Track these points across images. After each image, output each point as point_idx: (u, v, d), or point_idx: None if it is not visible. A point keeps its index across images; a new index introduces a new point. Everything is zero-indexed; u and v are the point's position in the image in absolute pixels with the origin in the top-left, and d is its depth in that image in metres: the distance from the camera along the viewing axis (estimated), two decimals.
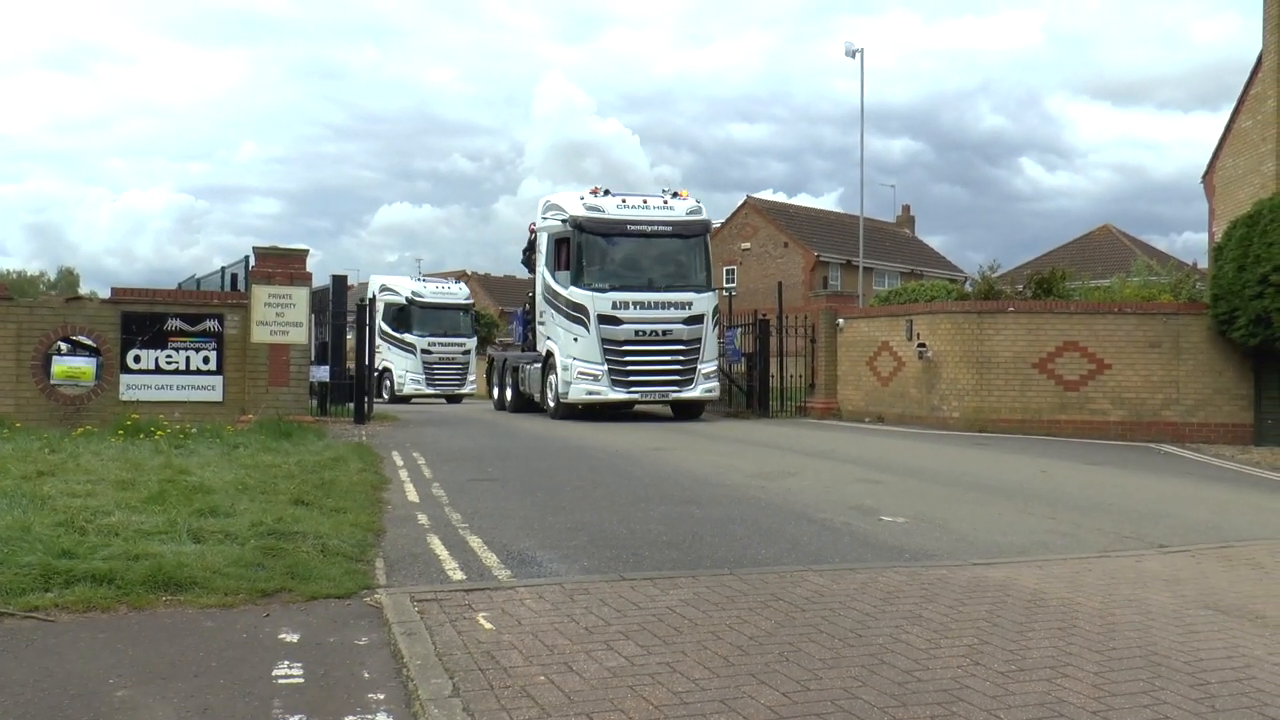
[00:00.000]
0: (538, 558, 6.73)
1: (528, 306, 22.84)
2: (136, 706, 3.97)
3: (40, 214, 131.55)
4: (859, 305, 25.37)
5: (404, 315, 32.54)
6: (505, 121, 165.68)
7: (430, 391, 32.48)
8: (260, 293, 15.33)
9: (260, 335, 15.23)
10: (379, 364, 31.85)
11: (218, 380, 15.05)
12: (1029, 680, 4.37)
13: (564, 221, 19.37)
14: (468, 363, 33.56)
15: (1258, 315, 15.60)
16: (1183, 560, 7.18)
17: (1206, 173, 22.26)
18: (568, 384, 18.89)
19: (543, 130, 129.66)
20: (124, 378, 14.68)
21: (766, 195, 59.70)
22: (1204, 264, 25.69)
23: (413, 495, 9.37)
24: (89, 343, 14.64)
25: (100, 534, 6.50)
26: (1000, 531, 8.10)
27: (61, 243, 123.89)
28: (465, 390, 33.35)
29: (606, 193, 19.74)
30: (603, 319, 18.62)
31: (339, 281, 18.44)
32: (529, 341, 22.34)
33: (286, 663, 4.49)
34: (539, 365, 20.60)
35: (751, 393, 21.82)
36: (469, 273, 64.35)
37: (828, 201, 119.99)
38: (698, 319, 19.13)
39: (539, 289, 20.72)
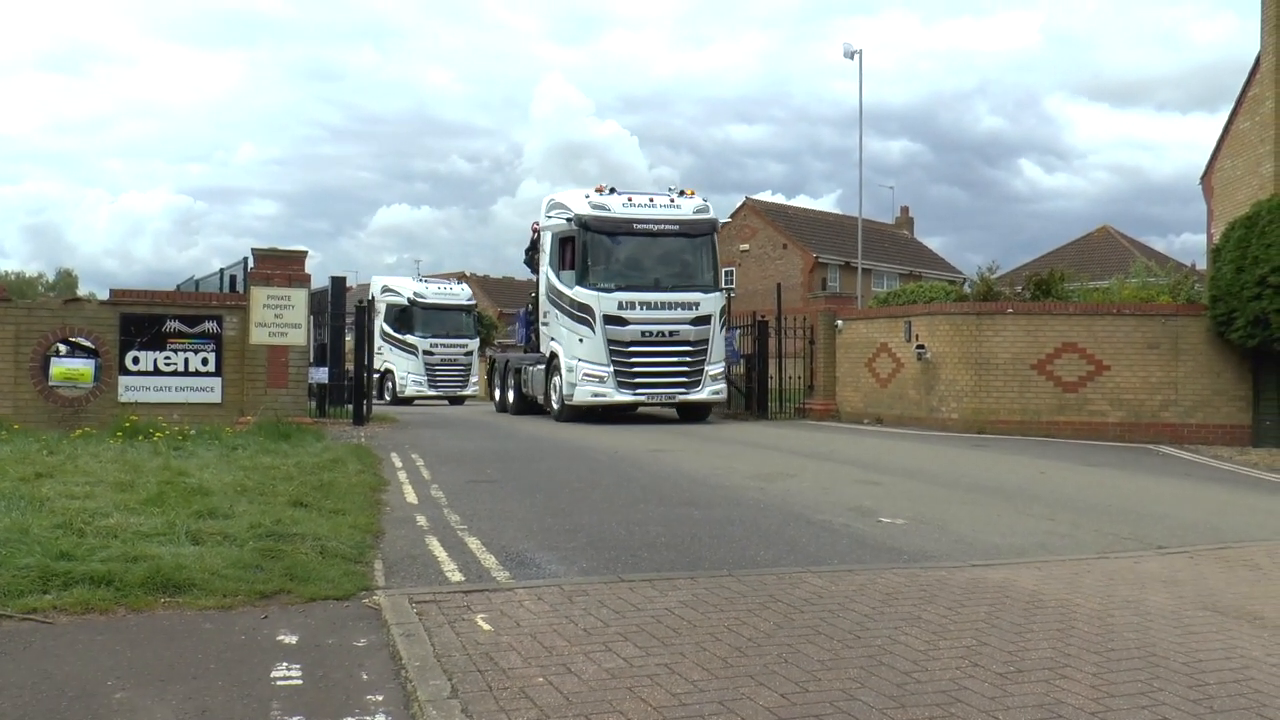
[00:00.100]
0: (536, 559, 6.73)
1: (530, 307, 22.65)
2: (135, 708, 3.97)
3: (39, 215, 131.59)
4: (858, 307, 25.37)
5: (406, 316, 32.35)
6: (504, 123, 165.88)
7: (432, 393, 32.25)
8: (259, 294, 15.33)
9: (259, 337, 15.23)
10: (381, 365, 31.81)
11: (216, 382, 15.05)
12: (1028, 681, 4.37)
13: (569, 220, 19.14)
14: (470, 364, 33.34)
15: (1256, 316, 15.61)
16: (1181, 561, 7.19)
17: (1205, 174, 22.28)
18: (572, 385, 18.66)
19: (541, 131, 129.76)
20: (122, 379, 14.67)
21: (765, 196, 59.84)
22: (1202, 265, 25.72)
23: (411, 497, 9.36)
24: (87, 344, 14.64)
25: (99, 536, 6.50)
26: (999, 533, 8.10)
27: (60, 244, 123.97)
28: (467, 392, 33.14)
29: (612, 191, 19.49)
30: (608, 319, 18.42)
31: (338, 283, 18.45)
32: (532, 342, 22.14)
33: (285, 664, 4.49)
34: (542, 366, 20.35)
35: (750, 394, 21.81)
36: (467, 274, 64.31)
37: (826, 203, 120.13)
38: (705, 320, 18.95)
39: (542, 289, 20.50)
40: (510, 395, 23.14)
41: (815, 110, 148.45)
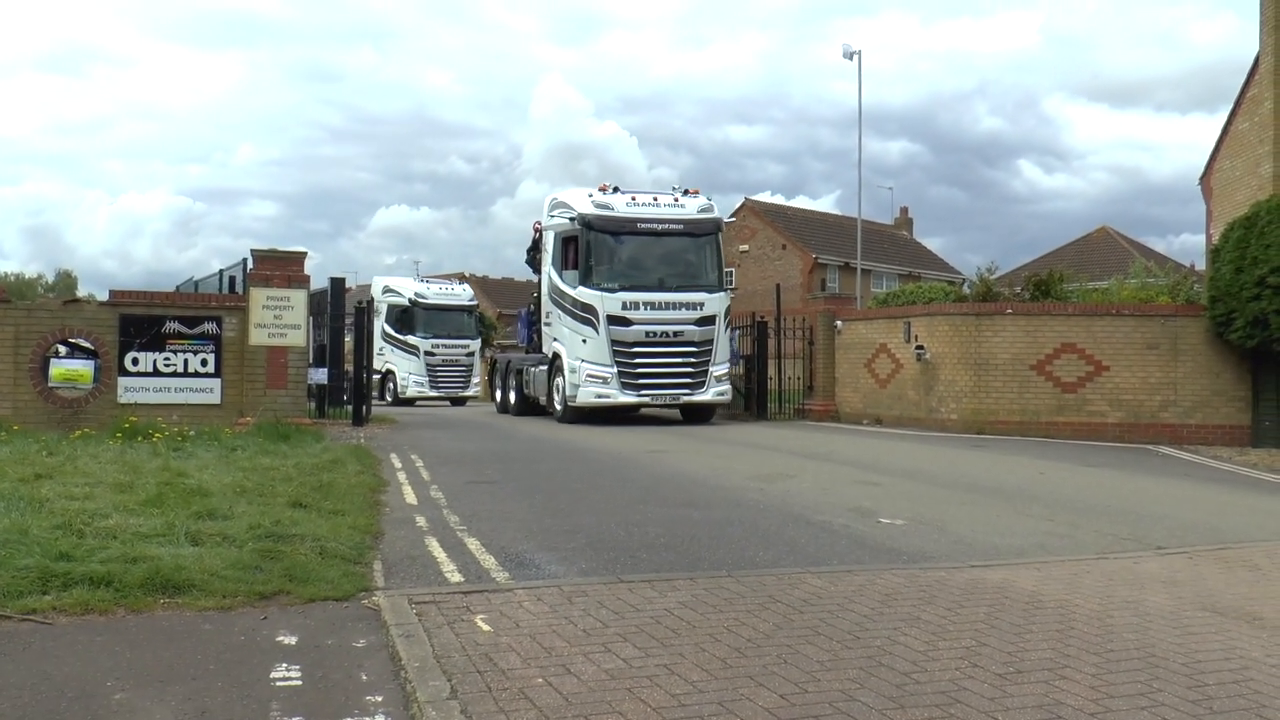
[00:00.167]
0: (536, 560, 6.73)
1: (532, 307, 22.48)
2: (134, 709, 3.97)
3: (38, 216, 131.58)
4: (857, 307, 25.39)
5: (407, 317, 32.16)
6: (503, 124, 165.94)
7: (434, 394, 32.06)
8: (258, 295, 15.33)
9: (258, 338, 15.23)
10: (382, 366, 31.73)
11: (216, 383, 15.05)
12: (1027, 682, 4.37)
13: (572, 219, 18.96)
14: (471, 365, 33.11)
15: (1255, 317, 15.61)
16: (1180, 562, 7.19)
17: (1204, 175, 22.29)
18: (576, 387, 18.49)
19: (540, 132, 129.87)
20: (122, 380, 14.67)
21: (764, 197, 59.75)
22: (1201, 266, 25.72)
23: (411, 497, 9.36)
24: (87, 345, 14.63)
25: (98, 537, 6.50)
26: (998, 533, 8.10)
27: (59, 245, 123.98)
28: (469, 393, 32.92)
29: (616, 190, 19.33)
30: (612, 320, 18.25)
31: (337, 284, 18.44)
32: (534, 343, 21.99)
33: (285, 665, 4.49)
34: (545, 367, 20.17)
35: (750, 395, 21.80)
36: (466, 275, 64.31)
37: (826, 203, 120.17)
38: (709, 320, 18.81)
39: (545, 289, 20.33)
40: (511, 396, 22.90)
41: (814, 111, 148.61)
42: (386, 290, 33.17)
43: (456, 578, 6.21)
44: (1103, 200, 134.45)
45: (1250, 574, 6.87)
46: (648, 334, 18.41)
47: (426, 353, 31.92)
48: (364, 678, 4.38)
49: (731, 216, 52.06)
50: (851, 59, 35.22)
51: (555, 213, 19.93)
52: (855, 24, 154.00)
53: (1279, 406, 16.83)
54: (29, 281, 79.47)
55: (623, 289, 18.42)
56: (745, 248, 50.99)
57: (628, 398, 18.51)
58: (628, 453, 13.61)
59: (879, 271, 50.17)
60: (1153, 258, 36.40)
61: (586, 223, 18.65)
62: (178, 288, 22.00)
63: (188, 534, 6.65)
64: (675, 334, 18.58)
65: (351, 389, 18.54)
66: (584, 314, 18.54)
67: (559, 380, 19.29)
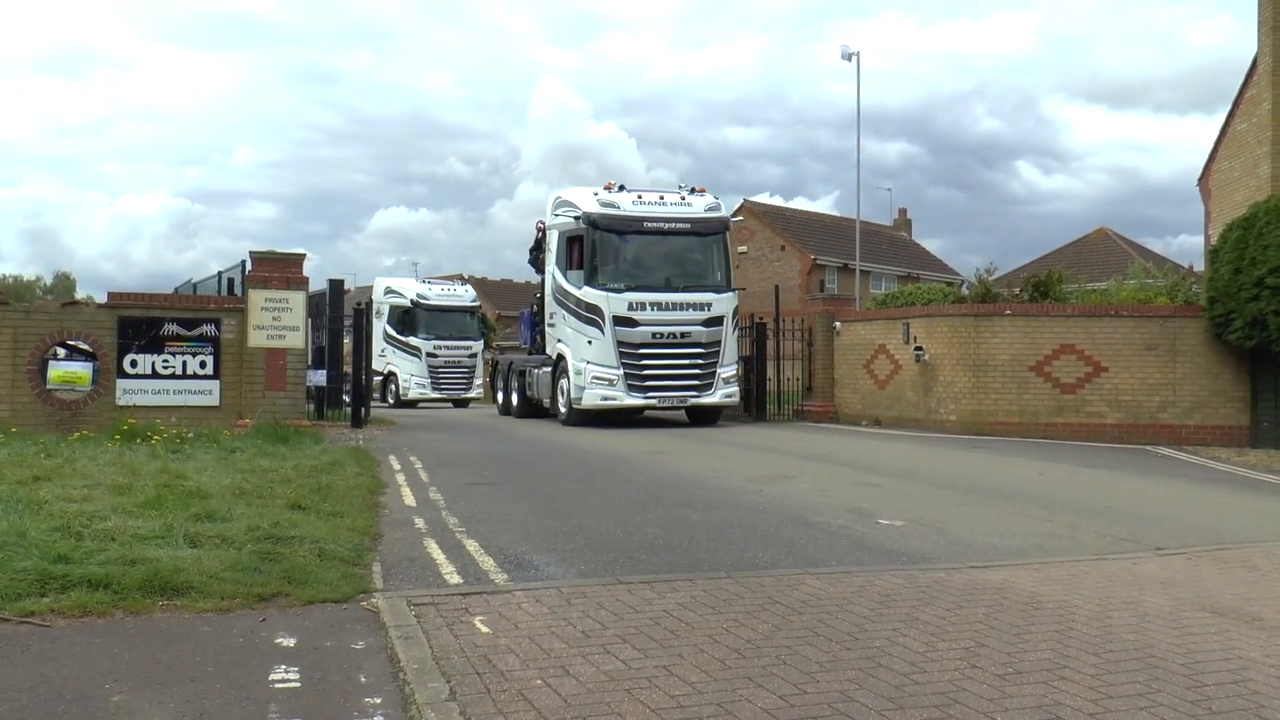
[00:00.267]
0: (534, 561, 6.73)
1: (535, 307, 22.24)
2: (133, 711, 3.97)
3: (36, 218, 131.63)
4: (856, 308, 25.34)
5: (409, 318, 31.99)
6: (501, 125, 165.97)
7: (436, 396, 31.85)
8: (257, 297, 15.32)
9: (257, 340, 15.22)
10: (385, 368, 31.66)
11: (214, 385, 15.04)
12: (1026, 683, 4.37)
13: (577, 218, 18.68)
14: (474, 366, 32.87)
15: (1254, 318, 15.62)
16: (1179, 563, 7.19)
17: (1202, 175, 22.30)
18: (581, 389, 18.23)
19: (539, 134, 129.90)
20: (120, 382, 14.66)
21: (763, 198, 59.76)
22: (1200, 267, 25.73)
23: (410, 499, 9.36)
24: (85, 347, 14.62)
25: (96, 539, 6.49)
26: (997, 534, 8.11)
27: (58, 247, 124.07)
28: (471, 394, 32.73)
29: (621, 188, 19.04)
30: (618, 320, 18.00)
31: (335, 285, 18.44)
32: (537, 344, 21.73)
33: (283, 667, 4.49)
34: (549, 369, 19.86)
35: (749, 396, 21.77)
36: (465, 276, 64.31)
37: (824, 205, 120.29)
38: (717, 320, 18.57)
39: (548, 289, 20.06)
40: (514, 398, 22.64)
41: (813, 112, 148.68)
42: (388, 291, 33.07)
43: (455, 579, 6.20)
44: (1101, 201, 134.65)
45: (1249, 575, 6.87)
46: (654, 335, 18.15)
47: (429, 354, 31.73)
48: (363, 679, 4.38)
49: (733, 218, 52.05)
50: (850, 60, 35.27)
51: (559, 211, 19.64)
52: (853, 25, 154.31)
53: (1277, 407, 16.84)
54: (27, 283, 79.48)
55: (629, 289, 18.15)
56: (744, 249, 50.97)
57: (634, 400, 18.26)
58: (626, 454, 13.61)
59: (878, 272, 50.18)
60: (1151, 259, 36.45)
61: (592, 221, 18.38)
62: (176, 290, 21.98)
63: (186, 536, 6.65)
64: (682, 335, 18.32)
65: (351, 391, 18.53)
66: (589, 314, 18.29)
67: (564, 382, 19.01)
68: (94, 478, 9.20)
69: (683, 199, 19.33)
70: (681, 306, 18.38)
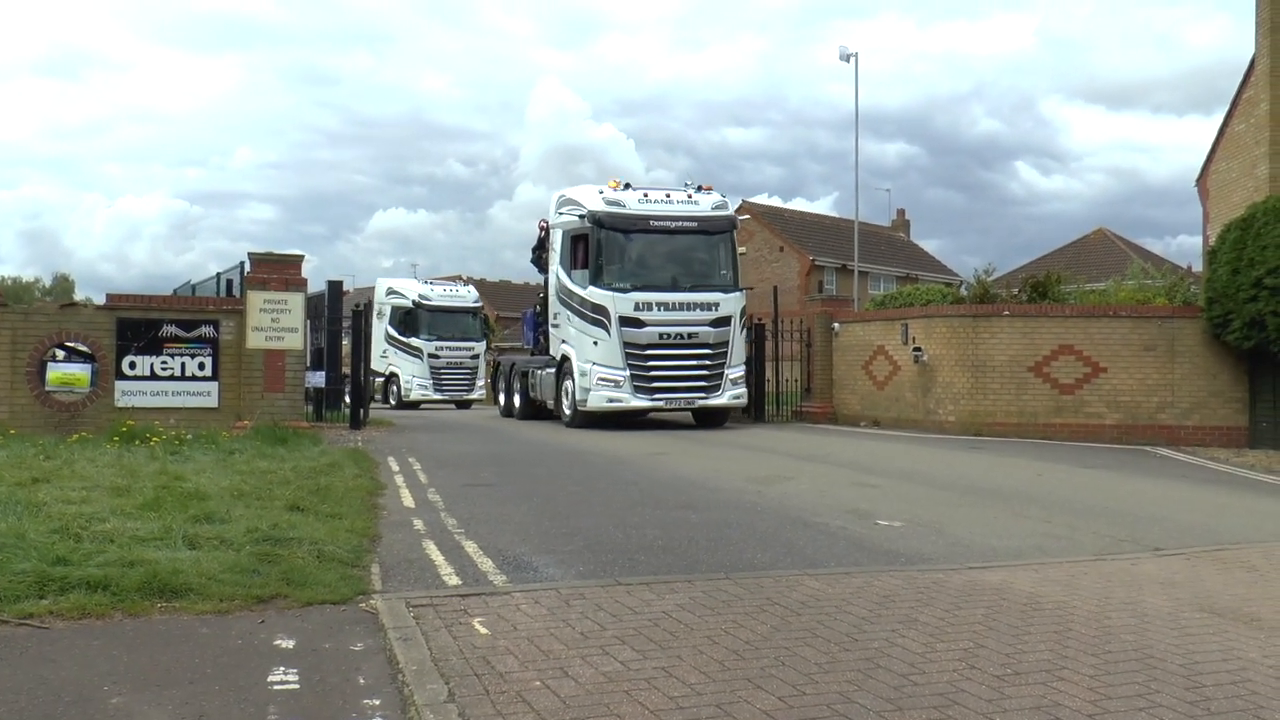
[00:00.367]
0: (533, 563, 6.73)
1: (538, 308, 22.05)
2: (132, 713, 3.97)
3: (35, 220, 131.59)
4: (854, 309, 25.36)
5: (411, 319, 31.80)
6: (500, 127, 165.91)
7: (438, 397, 31.63)
8: (255, 299, 15.32)
9: (256, 341, 15.22)
10: (386, 369, 31.58)
11: (213, 386, 15.04)
12: (1025, 683, 4.37)
13: (582, 217, 18.45)
14: (476, 367, 32.62)
15: (1252, 319, 15.63)
16: (1178, 563, 7.20)
17: (1200, 176, 22.35)
18: (587, 390, 17.98)
19: (537, 135, 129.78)
20: (119, 384, 14.66)
21: (762, 199, 59.75)
22: (1198, 267, 25.77)
23: (408, 501, 9.36)
24: (84, 349, 14.62)
25: (95, 541, 6.49)
26: (996, 535, 8.11)
27: (56, 249, 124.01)
28: (474, 396, 32.52)
29: (627, 186, 18.72)
30: (624, 321, 17.74)
31: (334, 287, 18.45)
32: (540, 345, 21.56)
33: (282, 669, 4.49)
34: (552, 370, 19.63)
35: (747, 397, 21.76)
36: (465, 277, 64.31)
37: (823, 206, 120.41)
38: (725, 321, 18.31)
39: (552, 289, 19.85)
40: (516, 400, 22.44)
41: (811, 113, 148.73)
42: (390, 292, 32.95)
43: (454, 581, 6.20)
44: (1100, 202, 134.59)
45: (1248, 575, 6.88)
46: (661, 336, 17.90)
47: (430, 355, 31.49)
48: (361, 681, 4.38)
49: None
50: (848, 61, 35.27)
51: (564, 210, 19.40)
52: (851, 26, 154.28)
53: (1275, 407, 16.86)
54: (26, 285, 79.43)
55: (635, 289, 17.90)
56: (743, 250, 50.53)
57: (641, 402, 18.03)
58: (626, 455, 13.61)
59: (876, 273, 50.19)
60: (1150, 259, 36.49)
61: (597, 220, 18.14)
62: (175, 291, 22.00)
63: (185, 537, 6.64)
64: (689, 335, 18.07)
65: (350, 392, 18.53)
66: (595, 315, 18.05)
67: (568, 383, 18.78)
68: (93, 479, 9.20)
69: (689, 197, 19.06)
70: (688, 306, 18.13)
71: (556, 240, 19.67)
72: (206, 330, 15.07)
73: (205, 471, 9.98)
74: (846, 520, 8.55)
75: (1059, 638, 5.08)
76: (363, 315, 20.09)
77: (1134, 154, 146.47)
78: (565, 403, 19.06)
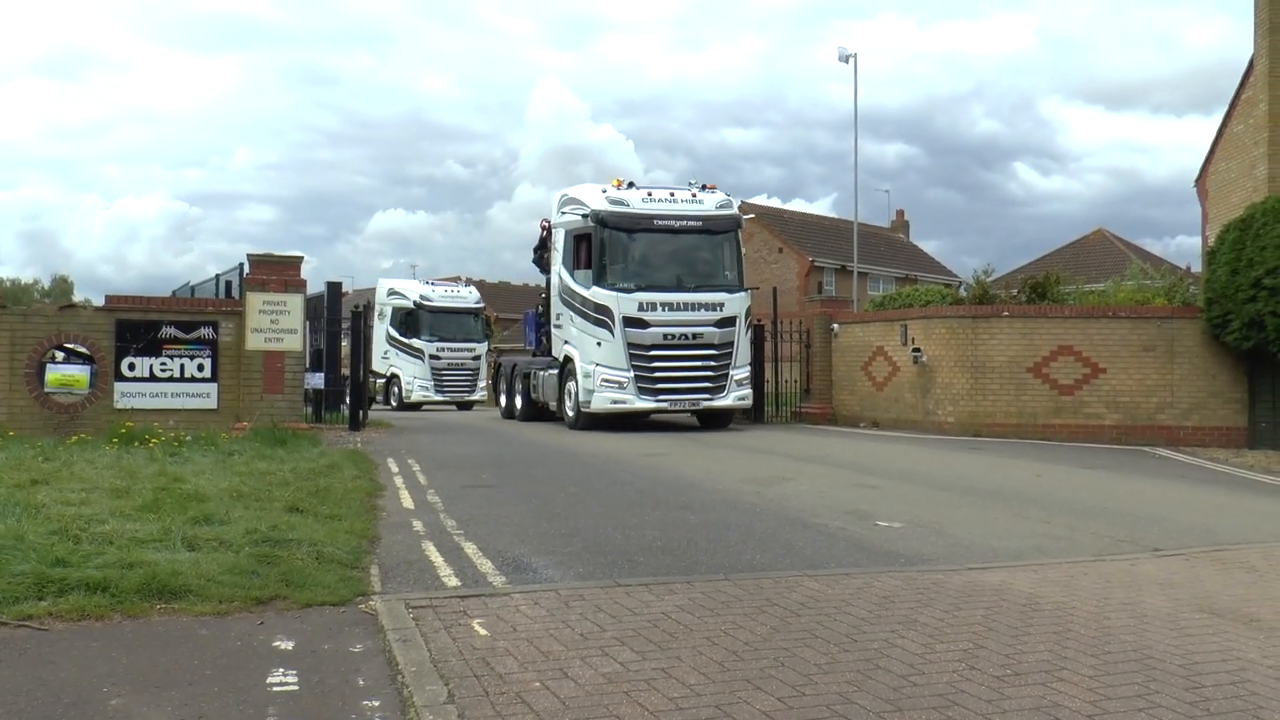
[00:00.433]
0: (532, 564, 6.73)
1: (540, 308, 21.93)
2: (131, 715, 3.97)
3: (34, 221, 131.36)
4: (854, 310, 25.36)
5: (412, 320, 31.65)
6: (499, 127, 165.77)
7: (439, 398, 31.47)
8: (255, 300, 15.32)
9: (255, 342, 15.22)
10: (387, 370, 31.53)
11: (212, 388, 15.04)
12: (1024, 684, 4.38)
13: (585, 216, 18.26)
14: (478, 368, 32.46)
15: (1251, 319, 15.64)
16: (1177, 564, 7.20)
17: (1200, 177, 22.37)
18: (590, 392, 17.83)
19: (537, 136, 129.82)
20: (118, 385, 14.66)
21: (761, 200, 59.70)
22: (1198, 268, 25.79)
23: (408, 502, 9.36)
24: (83, 351, 14.62)
25: (94, 542, 6.49)
26: (995, 536, 8.11)
27: (55, 250, 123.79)
28: (475, 397, 32.34)
29: (630, 185, 18.53)
30: (628, 321, 17.56)
31: (334, 288, 18.46)
32: (542, 346, 21.44)
33: (281, 670, 4.49)
34: (555, 371, 19.49)
35: None
36: (464, 278, 64.31)
37: (822, 206, 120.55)
38: (730, 321, 18.13)
39: (554, 289, 19.72)
40: (518, 401, 22.29)
41: (810, 114, 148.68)
42: (391, 293, 32.85)
43: (453, 582, 6.20)
44: (1099, 202, 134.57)
45: (1247, 576, 6.88)
46: (665, 336, 17.73)
47: (432, 356, 31.31)
48: (361, 682, 4.38)
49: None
50: (847, 61, 35.25)
51: (566, 209, 19.23)
52: (851, 26, 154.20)
53: (1275, 408, 16.86)
54: (25, 286, 79.42)
55: (639, 289, 17.72)
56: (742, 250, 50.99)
57: (645, 403, 17.87)
58: (626, 457, 13.61)
59: (876, 274, 50.20)
60: (1149, 260, 36.48)
61: (601, 219, 17.95)
62: (174, 293, 22.00)
63: (184, 539, 6.65)
64: (694, 336, 17.90)
65: (350, 393, 18.52)
66: (598, 315, 17.89)
67: (571, 385, 18.63)
68: (92, 481, 9.21)
69: (693, 196, 18.86)
70: (693, 307, 17.97)
71: (559, 240, 19.53)
72: (205, 332, 15.06)
73: (204, 473, 9.99)
74: (846, 521, 8.55)
75: (1058, 638, 5.09)
76: (362, 316, 20.09)
77: (1133, 154, 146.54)
78: (568, 404, 18.93)
